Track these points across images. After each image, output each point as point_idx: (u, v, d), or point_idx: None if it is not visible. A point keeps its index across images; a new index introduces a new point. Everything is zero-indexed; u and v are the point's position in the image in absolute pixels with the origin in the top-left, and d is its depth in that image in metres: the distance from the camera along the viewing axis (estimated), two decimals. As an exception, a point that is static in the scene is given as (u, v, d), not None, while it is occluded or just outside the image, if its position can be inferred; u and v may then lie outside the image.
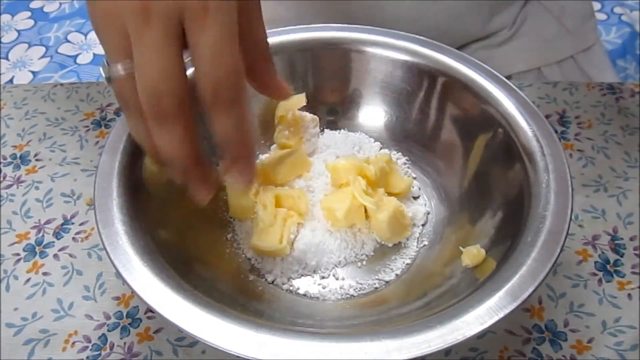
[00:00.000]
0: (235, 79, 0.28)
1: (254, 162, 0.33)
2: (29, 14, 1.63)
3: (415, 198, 0.44)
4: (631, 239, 0.43)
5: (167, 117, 0.28)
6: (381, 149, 0.46)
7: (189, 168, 0.30)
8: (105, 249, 0.31)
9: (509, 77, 0.58)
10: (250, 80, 0.34)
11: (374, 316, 0.35)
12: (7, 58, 1.48)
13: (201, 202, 0.32)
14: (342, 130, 0.47)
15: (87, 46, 1.51)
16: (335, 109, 0.47)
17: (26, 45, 1.51)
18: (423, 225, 0.42)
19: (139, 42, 0.27)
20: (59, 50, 1.50)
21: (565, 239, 0.32)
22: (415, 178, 0.45)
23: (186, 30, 0.28)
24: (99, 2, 0.28)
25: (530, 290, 0.30)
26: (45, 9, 1.65)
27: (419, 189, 0.44)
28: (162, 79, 0.27)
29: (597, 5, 1.39)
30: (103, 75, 0.30)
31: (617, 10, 1.32)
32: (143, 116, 0.28)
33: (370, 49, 0.45)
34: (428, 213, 0.43)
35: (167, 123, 0.28)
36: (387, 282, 0.39)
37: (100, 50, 1.52)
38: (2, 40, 1.54)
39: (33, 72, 1.42)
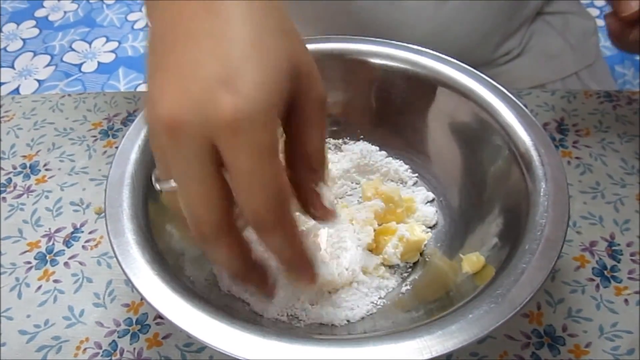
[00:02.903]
0: (275, 204, 0.26)
1: (311, 270, 0.31)
2: (33, 22, 1.65)
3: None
4: (628, 245, 0.44)
5: (208, 240, 0.28)
6: (387, 157, 0.47)
7: (243, 277, 0.30)
8: (116, 258, 0.32)
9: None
10: (295, 192, 0.31)
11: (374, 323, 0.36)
12: (12, 67, 1.49)
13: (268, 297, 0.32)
14: (345, 139, 0.48)
15: (92, 54, 1.53)
16: (337, 120, 0.48)
17: (31, 54, 1.53)
18: (432, 227, 0.43)
19: (173, 163, 0.26)
20: (64, 59, 1.52)
21: (562, 247, 0.33)
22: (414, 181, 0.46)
23: (219, 150, 0.25)
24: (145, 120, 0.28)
25: (529, 296, 0.30)
26: (50, 18, 1.67)
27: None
28: (199, 204, 0.26)
29: (595, 11, 1.40)
30: (154, 183, 0.29)
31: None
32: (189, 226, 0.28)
33: (372, 60, 0.45)
34: (436, 211, 0.44)
35: (209, 244, 0.28)
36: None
37: (105, 58, 1.54)
38: (8, 49, 1.55)
39: (38, 81, 1.44)
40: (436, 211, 0.44)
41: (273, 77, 0.25)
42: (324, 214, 0.31)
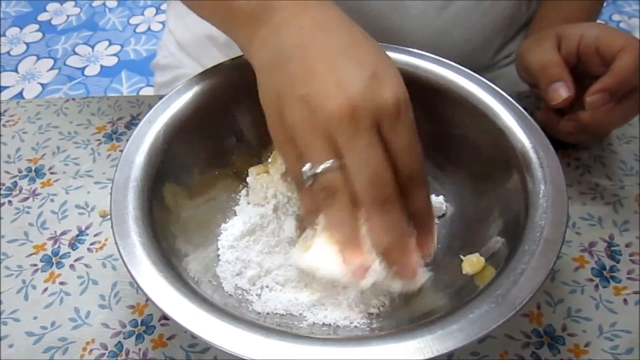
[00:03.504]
0: (424, 169, 0.34)
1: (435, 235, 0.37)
2: (37, 26, 1.66)
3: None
4: (627, 246, 0.44)
5: (387, 201, 0.32)
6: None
7: (402, 247, 0.34)
8: (122, 259, 0.32)
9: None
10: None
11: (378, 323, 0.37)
12: (16, 70, 1.50)
13: (412, 278, 0.35)
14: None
15: (95, 58, 1.54)
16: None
17: (35, 58, 1.54)
18: (441, 217, 0.44)
19: (352, 143, 0.32)
20: (67, 63, 1.52)
21: (561, 248, 0.33)
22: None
23: (381, 128, 0.32)
24: (296, 119, 0.33)
25: (529, 297, 0.31)
26: (53, 22, 1.68)
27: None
28: (379, 172, 0.32)
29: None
30: (305, 170, 0.33)
31: (616, 17, 1.33)
32: (353, 203, 0.33)
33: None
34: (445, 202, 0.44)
35: (387, 205, 0.32)
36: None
37: (107, 62, 1.55)
38: (11, 53, 1.56)
39: (42, 85, 1.45)
40: (444, 201, 0.44)
41: (402, 81, 0.34)
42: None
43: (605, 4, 1.25)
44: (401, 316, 0.37)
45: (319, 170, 0.33)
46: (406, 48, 0.46)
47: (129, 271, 0.32)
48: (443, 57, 0.45)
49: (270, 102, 0.35)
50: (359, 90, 0.32)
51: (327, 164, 0.32)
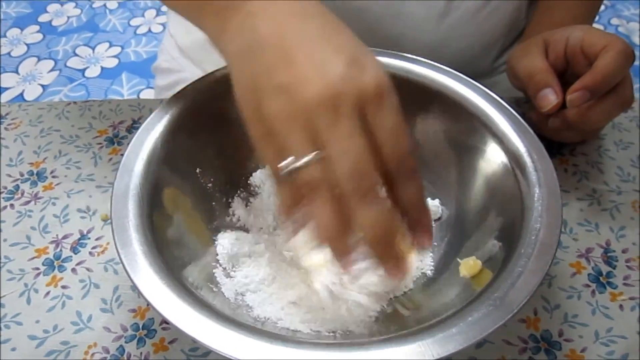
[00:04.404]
0: (413, 152, 0.33)
1: (431, 227, 0.36)
2: (37, 27, 1.67)
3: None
4: (623, 252, 0.45)
5: (369, 192, 0.31)
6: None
7: (387, 240, 0.32)
8: (124, 267, 0.33)
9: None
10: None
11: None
12: (17, 72, 1.51)
13: (397, 279, 0.35)
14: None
15: (95, 60, 1.54)
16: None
17: (35, 59, 1.54)
18: (437, 220, 0.44)
19: (333, 132, 0.30)
20: (68, 64, 1.53)
21: (556, 250, 0.34)
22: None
23: (364, 114, 0.31)
24: (273, 110, 0.31)
25: (526, 299, 0.31)
26: (54, 23, 1.68)
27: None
28: (361, 162, 0.30)
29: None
30: (283, 165, 0.31)
31: (614, 21, 1.34)
32: (335, 197, 0.31)
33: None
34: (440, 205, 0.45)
35: (369, 196, 0.31)
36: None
37: (108, 63, 1.55)
38: (12, 54, 1.57)
39: (42, 86, 1.45)
40: (439, 205, 0.45)
41: (381, 64, 0.32)
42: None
43: (603, 8, 1.25)
44: (400, 320, 0.38)
45: (299, 164, 0.31)
46: (401, 53, 0.46)
47: (131, 279, 0.32)
48: (443, 64, 0.45)
49: (246, 93, 0.33)
50: (339, 75, 0.30)
51: (308, 157, 0.31)
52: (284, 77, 0.31)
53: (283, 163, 0.31)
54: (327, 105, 0.30)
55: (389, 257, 0.33)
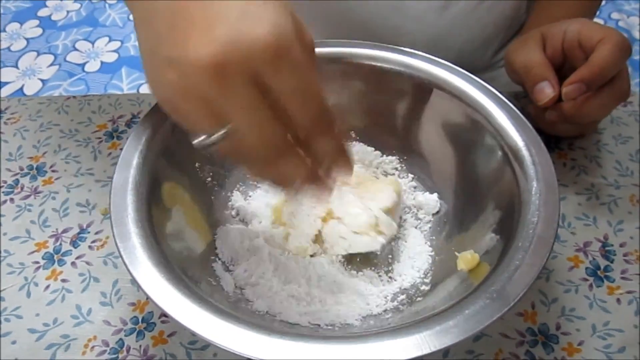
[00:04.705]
0: (326, 109, 0.30)
1: (350, 167, 0.34)
2: (37, 22, 1.66)
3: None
4: (621, 246, 0.45)
5: (281, 153, 0.30)
6: (381, 157, 0.48)
7: (312, 178, 0.32)
8: (123, 260, 0.33)
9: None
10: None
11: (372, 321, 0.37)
12: (16, 66, 1.50)
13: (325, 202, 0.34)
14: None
15: (95, 54, 1.54)
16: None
17: (35, 54, 1.54)
18: (435, 214, 0.44)
19: (226, 103, 0.28)
20: (67, 59, 1.52)
21: (553, 244, 0.34)
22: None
23: (263, 76, 0.28)
24: (168, 84, 0.29)
25: (523, 292, 0.32)
26: (53, 17, 1.67)
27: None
28: (267, 127, 0.29)
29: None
30: (196, 143, 0.30)
31: (615, 15, 1.33)
32: (253, 160, 0.30)
33: (367, 63, 0.46)
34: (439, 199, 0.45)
35: (283, 157, 0.30)
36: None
37: (107, 58, 1.55)
38: (11, 48, 1.56)
39: (42, 80, 1.45)
40: (438, 199, 0.45)
41: (285, 12, 0.28)
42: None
43: (604, 2, 1.25)
44: (398, 313, 0.38)
45: (209, 142, 0.29)
46: (399, 47, 0.46)
47: (130, 273, 0.32)
48: (438, 57, 0.45)
49: (146, 66, 0.31)
50: (224, 36, 0.27)
51: (215, 136, 0.29)
52: (172, 43, 0.28)
53: (195, 141, 0.30)
54: (214, 77, 0.27)
55: (317, 187, 0.33)
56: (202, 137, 0.29)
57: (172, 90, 0.29)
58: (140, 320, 0.41)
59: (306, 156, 0.32)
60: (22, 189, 0.51)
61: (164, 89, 0.30)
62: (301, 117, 0.29)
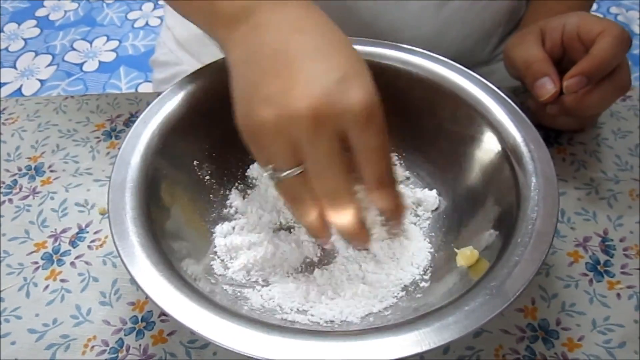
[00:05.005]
0: (392, 170, 0.36)
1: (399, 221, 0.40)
2: (34, 22, 1.66)
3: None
4: (621, 240, 0.45)
5: (342, 206, 0.35)
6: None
7: (356, 229, 0.37)
8: (121, 259, 0.33)
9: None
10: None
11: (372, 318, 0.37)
12: (14, 67, 1.50)
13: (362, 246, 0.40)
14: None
15: (93, 54, 1.53)
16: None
17: (33, 54, 1.54)
18: (434, 210, 0.44)
19: (313, 149, 0.32)
20: (65, 59, 1.52)
21: (553, 239, 0.34)
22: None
23: (349, 133, 0.33)
24: (260, 119, 0.33)
25: (522, 288, 0.32)
26: (51, 17, 1.67)
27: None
28: (335, 183, 0.33)
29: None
30: (267, 176, 0.35)
31: (614, 10, 1.33)
32: (315, 204, 0.35)
33: (364, 59, 0.46)
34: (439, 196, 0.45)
35: (342, 210, 0.35)
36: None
37: (105, 58, 1.55)
38: (9, 49, 1.56)
39: (40, 81, 1.45)
40: (437, 195, 0.45)
41: (373, 83, 0.33)
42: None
43: (603, -3, 1.24)
44: (397, 310, 0.38)
45: (281, 175, 0.34)
46: (397, 44, 0.46)
47: (128, 272, 0.32)
48: (442, 54, 0.45)
49: (240, 100, 0.35)
50: (325, 92, 0.31)
51: (288, 171, 0.33)
52: (274, 88, 0.32)
53: (267, 173, 0.34)
54: (309, 121, 0.31)
55: (358, 238, 0.38)
56: (273, 171, 0.34)
57: (264, 127, 0.33)
58: (139, 319, 0.41)
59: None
60: (20, 189, 0.50)
61: (255, 123, 0.33)
62: (371, 171, 0.34)
